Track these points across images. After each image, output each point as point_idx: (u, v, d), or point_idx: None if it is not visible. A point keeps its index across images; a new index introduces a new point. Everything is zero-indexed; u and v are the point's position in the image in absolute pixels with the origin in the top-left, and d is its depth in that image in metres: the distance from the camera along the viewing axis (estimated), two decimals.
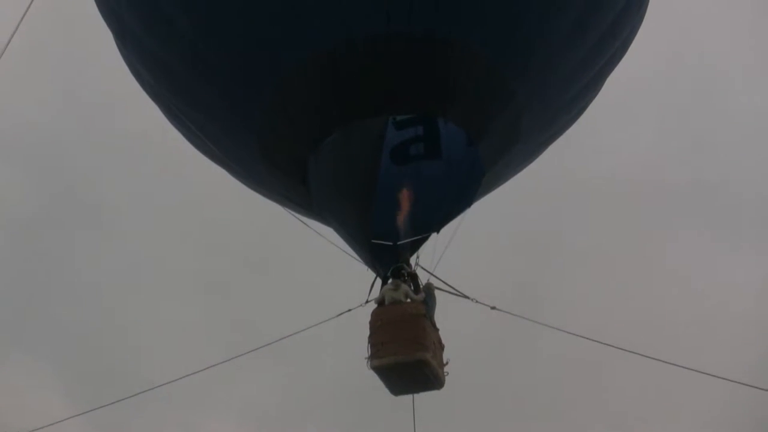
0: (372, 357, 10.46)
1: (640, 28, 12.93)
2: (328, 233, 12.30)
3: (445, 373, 10.89)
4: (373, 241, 11.34)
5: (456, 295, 11.58)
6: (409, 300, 10.86)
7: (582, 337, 11.36)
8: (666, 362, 11.20)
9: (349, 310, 11.41)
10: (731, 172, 27.36)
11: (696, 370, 11.07)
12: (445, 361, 10.95)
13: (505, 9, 10.84)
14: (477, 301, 11.62)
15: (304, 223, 12.74)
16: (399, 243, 11.32)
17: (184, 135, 13.44)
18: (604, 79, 13.10)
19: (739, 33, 28.50)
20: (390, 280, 11.07)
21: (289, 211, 12.97)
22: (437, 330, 11.03)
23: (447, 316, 11.29)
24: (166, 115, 13.33)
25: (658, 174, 27.97)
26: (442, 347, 11.00)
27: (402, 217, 11.09)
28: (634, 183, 27.63)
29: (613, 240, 27.24)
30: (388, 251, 11.30)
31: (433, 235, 11.54)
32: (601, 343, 11.32)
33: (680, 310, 25.35)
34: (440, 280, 11.47)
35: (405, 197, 11.15)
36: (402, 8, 10.49)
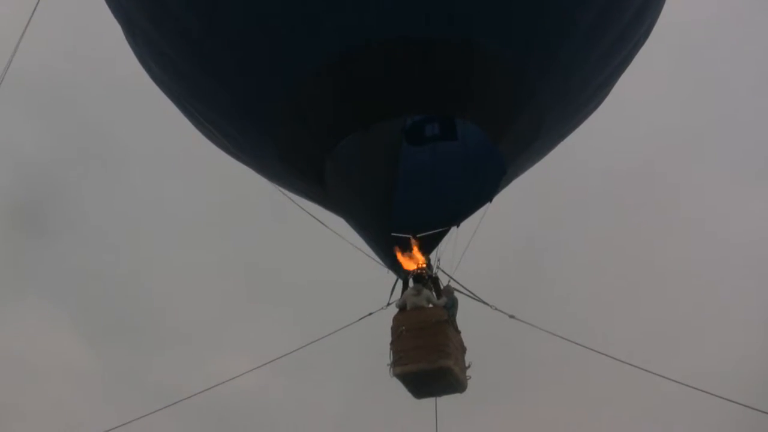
0: (394, 364, 10.49)
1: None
2: (347, 233, 12.18)
3: (468, 377, 10.90)
4: (393, 234, 11.27)
5: (475, 300, 11.52)
6: (431, 305, 10.81)
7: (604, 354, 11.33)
8: (694, 388, 11.13)
9: (371, 313, 11.38)
10: None
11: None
12: (467, 364, 10.96)
13: (526, 9, 10.54)
14: (496, 309, 11.57)
15: (323, 224, 12.60)
16: (419, 235, 11.30)
17: (197, 127, 13.26)
18: (623, 70, 12.83)
19: None
20: (412, 285, 11.03)
21: (309, 212, 12.82)
22: (459, 333, 11.03)
23: (466, 320, 11.28)
24: (178, 108, 13.13)
25: None
26: (464, 350, 11.03)
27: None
28: None
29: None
30: (407, 246, 11.25)
31: (453, 237, 11.46)
32: (623, 362, 11.31)
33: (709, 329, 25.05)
34: (460, 284, 11.44)
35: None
36: (420, 12, 10.23)
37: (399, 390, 10.97)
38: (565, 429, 24.27)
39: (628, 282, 26.49)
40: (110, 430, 12.18)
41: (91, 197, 30.05)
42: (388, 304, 11.23)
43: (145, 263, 28.94)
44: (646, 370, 11.52)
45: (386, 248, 11.57)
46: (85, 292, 28.69)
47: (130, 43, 12.59)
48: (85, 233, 29.50)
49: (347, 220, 12.18)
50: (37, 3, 12.03)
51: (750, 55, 28.39)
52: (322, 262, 24.29)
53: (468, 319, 11.50)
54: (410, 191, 11.39)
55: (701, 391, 11.06)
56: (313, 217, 12.57)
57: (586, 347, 11.46)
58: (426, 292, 10.84)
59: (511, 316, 11.56)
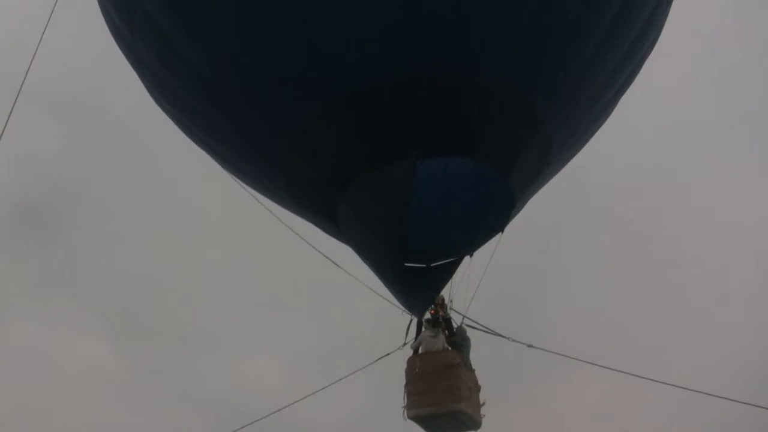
0: (408, 407, 10.75)
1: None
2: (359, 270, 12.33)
3: (482, 415, 11.09)
4: (406, 264, 11.39)
5: (491, 334, 11.66)
6: (444, 348, 11.00)
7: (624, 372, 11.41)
8: (710, 394, 11.19)
9: (388, 354, 11.59)
10: None
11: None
12: (482, 402, 11.14)
13: (529, 44, 10.45)
14: (513, 340, 11.69)
15: (336, 264, 12.76)
16: (433, 265, 11.41)
17: (213, 158, 13.41)
18: (630, 84, 12.68)
19: None
20: (428, 327, 11.21)
21: (323, 253, 12.96)
22: (473, 371, 11.20)
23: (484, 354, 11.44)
24: (195, 143, 13.30)
25: None
26: (478, 388, 11.23)
27: None
28: None
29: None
30: (422, 281, 11.37)
31: (465, 275, 11.55)
32: (645, 378, 11.38)
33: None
34: (474, 321, 11.57)
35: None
36: (423, 53, 10.18)
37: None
38: None
39: (643, 292, 26.35)
40: None
41: (117, 200, 30.54)
42: (404, 344, 11.41)
43: (171, 266, 29.40)
44: (673, 385, 11.63)
45: (401, 285, 11.70)
46: (111, 294, 29.26)
47: (141, 79, 12.76)
48: (111, 236, 30.02)
49: (360, 256, 12.32)
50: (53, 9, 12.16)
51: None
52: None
53: (486, 352, 11.69)
54: (422, 229, 11.45)
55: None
56: (328, 258, 12.72)
57: (611, 369, 11.60)
58: (442, 337, 11.03)
59: (530, 345, 11.71)
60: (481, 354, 11.72)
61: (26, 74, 11.31)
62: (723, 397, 11.23)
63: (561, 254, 26.75)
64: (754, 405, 11.00)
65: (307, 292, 28.41)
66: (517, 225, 11.97)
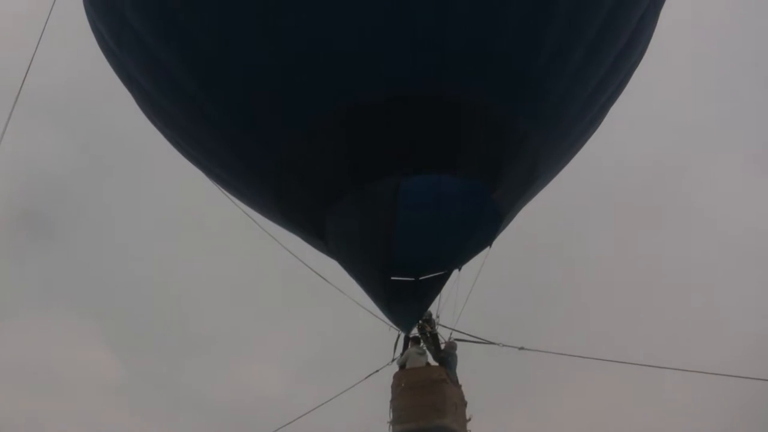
0: (394, 422, 10.76)
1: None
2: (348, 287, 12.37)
3: (468, 431, 11.10)
4: (393, 278, 11.41)
5: (482, 343, 11.69)
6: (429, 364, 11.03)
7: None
8: (706, 372, 11.27)
9: (377, 370, 11.63)
10: None
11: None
12: (468, 417, 11.16)
13: (512, 60, 10.47)
14: (504, 345, 11.72)
15: (325, 279, 12.80)
16: (421, 279, 11.43)
17: (199, 168, 13.41)
18: (618, 96, 12.67)
19: None
20: (415, 344, 11.25)
21: (312, 268, 12.99)
22: (460, 386, 11.22)
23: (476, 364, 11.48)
24: (187, 159, 13.35)
25: None
26: (464, 404, 11.23)
27: None
28: None
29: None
30: (410, 295, 11.39)
31: (453, 286, 11.58)
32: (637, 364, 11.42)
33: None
34: (463, 333, 11.59)
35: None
36: (405, 72, 10.23)
37: None
38: None
39: (642, 283, 26.40)
40: None
41: (115, 206, 30.57)
42: (393, 360, 11.43)
43: (170, 271, 29.47)
44: (663, 367, 11.89)
45: (387, 300, 11.72)
46: (110, 301, 29.50)
47: (131, 93, 12.82)
48: (109, 242, 30.18)
49: (348, 271, 12.36)
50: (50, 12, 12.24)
51: None
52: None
53: (478, 360, 11.75)
54: (409, 245, 11.48)
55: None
56: (318, 273, 12.77)
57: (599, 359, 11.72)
58: (428, 353, 11.08)
59: (521, 348, 11.74)
60: (473, 364, 11.75)
61: (24, 80, 11.51)
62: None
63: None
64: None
65: (303, 303, 28.46)
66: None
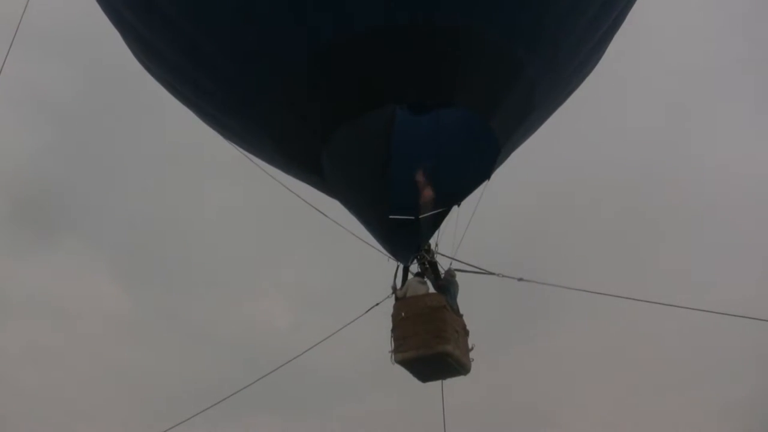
0: (395, 351, 10.65)
1: None
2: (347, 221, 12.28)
3: (471, 359, 10.99)
4: (391, 217, 11.29)
5: (481, 273, 11.58)
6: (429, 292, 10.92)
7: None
8: (703, 310, 11.20)
9: (377, 304, 11.51)
10: None
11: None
12: (470, 346, 11.05)
13: None
14: (503, 276, 11.60)
15: (324, 213, 12.70)
16: (420, 217, 11.32)
17: (194, 112, 13.34)
18: (617, 29, 12.56)
19: None
20: (415, 274, 11.17)
21: (309, 203, 12.90)
22: (461, 316, 11.10)
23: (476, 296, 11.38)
24: (181, 102, 13.24)
25: None
26: (466, 333, 11.10)
27: (422, 193, 11.04)
28: None
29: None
30: (408, 230, 11.28)
31: (453, 216, 11.46)
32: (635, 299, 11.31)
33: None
34: (462, 262, 11.49)
35: (421, 176, 11.09)
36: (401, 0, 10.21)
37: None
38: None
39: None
40: None
41: (124, 142, 30.68)
42: (393, 293, 11.32)
43: (177, 206, 29.67)
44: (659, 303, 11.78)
45: (386, 235, 11.64)
46: (121, 236, 30.00)
47: (125, 41, 12.79)
48: (118, 176, 30.45)
49: (347, 208, 12.28)
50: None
51: None
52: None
53: (478, 293, 11.65)
54: (406, 176, 11.37)
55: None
56: (315, 207, 12.67)
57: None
58: (428, 281, 10.97)
59: (520, 279, 11.64)
60: (474, 295, 11.65)
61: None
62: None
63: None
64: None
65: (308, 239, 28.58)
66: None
